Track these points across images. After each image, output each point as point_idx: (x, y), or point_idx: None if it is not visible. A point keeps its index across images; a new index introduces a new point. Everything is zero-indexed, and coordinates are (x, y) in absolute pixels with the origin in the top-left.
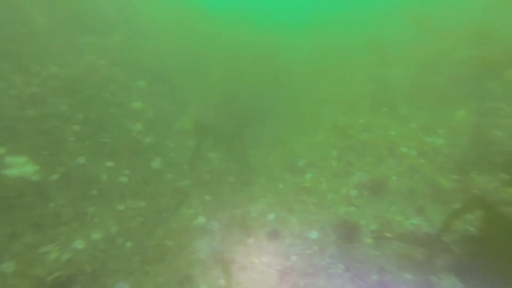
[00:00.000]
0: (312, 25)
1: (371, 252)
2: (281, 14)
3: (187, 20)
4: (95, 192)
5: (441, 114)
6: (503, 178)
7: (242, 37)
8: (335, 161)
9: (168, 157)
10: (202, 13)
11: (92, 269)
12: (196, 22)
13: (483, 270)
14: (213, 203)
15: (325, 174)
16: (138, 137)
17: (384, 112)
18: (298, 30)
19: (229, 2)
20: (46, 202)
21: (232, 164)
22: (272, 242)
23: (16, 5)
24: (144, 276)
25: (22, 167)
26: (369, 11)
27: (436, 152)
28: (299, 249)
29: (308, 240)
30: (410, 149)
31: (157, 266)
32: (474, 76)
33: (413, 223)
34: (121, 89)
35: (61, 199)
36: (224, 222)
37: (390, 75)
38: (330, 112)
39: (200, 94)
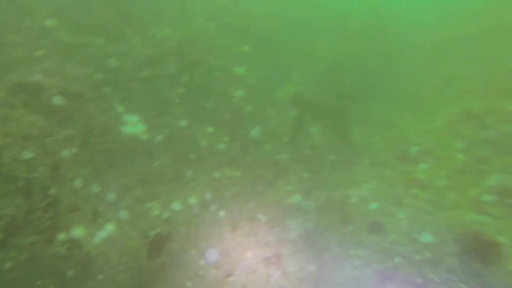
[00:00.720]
0: None
1: None
2: None
3: None
4: (194, 156)
5: None
6: None
7: (352, 3)
8: (461, 154)
9: (268, 127)
10: None
11: (186, 231)
12: None
13: None
14: (311, 181)
15: (446, 168)
16: (239, 104)
17: None
18: None
19: None
20: (151, 161)
21: (334, 141)
22: (372, 235)
23: None
24: (234, 247)
25: (134, 125)
26: None
27: None
28: (406, 250)
29: (418, 243)
30: None
31: (247, 239)
32: None
33: None
34: (225, 53)
35: (164, 160)
36: (320, 203)
37: None
38: (457, 93)
39: (305, 62)
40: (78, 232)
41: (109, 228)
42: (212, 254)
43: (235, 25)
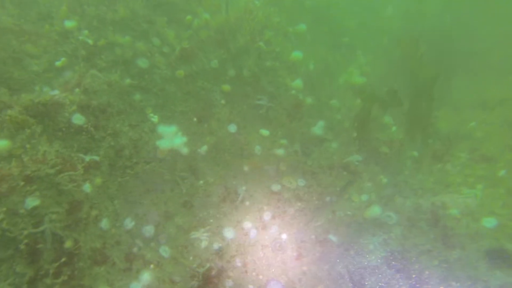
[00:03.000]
0: None
1: None
2: None
3: None
4: (247, 168)
5: None
6: None
7: None
8: None
9: (333, 121)
10: None
11: (243, 262)
12: None
13: None
14: (391, 186)
15: None
16: (298, 96)
17: None
18: None
19: None
20: (196, 179)
21: (415, 132)
22: (497, 269)
23: None
24: (301, 279)
25: (172, 137)
26: None
27: None
28: None
29: None
30: None
31: (317, 267)
32: None
33: None
34: (278, 36)
35: (211, 176)
36: (406, 215)
37: None
38: None
39: (371, 38)
40: None
41: (146, 276)
42: None
43: (287, 1)
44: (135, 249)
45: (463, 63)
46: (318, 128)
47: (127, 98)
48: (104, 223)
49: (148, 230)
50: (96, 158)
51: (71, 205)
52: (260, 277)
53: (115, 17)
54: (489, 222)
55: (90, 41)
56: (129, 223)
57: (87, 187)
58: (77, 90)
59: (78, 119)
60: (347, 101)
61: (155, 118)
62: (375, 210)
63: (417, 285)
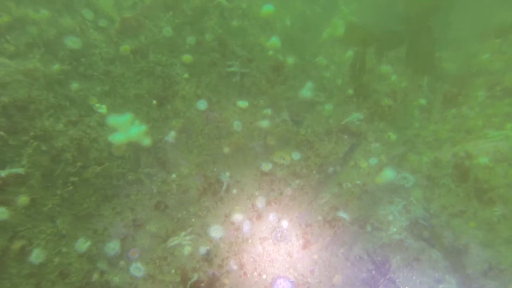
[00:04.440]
0: None
1: None
2: None
3: None
4: (227, 149)
5: None
6: None
7: None
8: None
9: (322, 80)
10: None
11: (239, 264)
12: None
13: None
14: (401, 143)
15: None
16: (277, 57)
17: None
18: None
19: None
20: (167, 173)
21: (417, 77)
22: None
23: None
24: (313, 270)
25: (128, 128)
26: None
27: None
28: None
29: None
30: None
31: (329, 254)
32: None
33: None
34: None
35: (185, 166)
36: (424, 173)
37: None
38: None
39: None
40: None
41: None
42: (283, 287)
43: None
44: (95, 276)
45: None
46: (306, 90)
47: (60, 88)
48: (37, 255)
49: (112, 247)
50: (19, 170)
51: None
52: (264, 276)
53: None
54: None
55: None
56: (82, 245)
57: (1, 213)
58: None
59: None
60: (335, 57)
61: (102, 109)
62: (388, 174)
63: (456, 259)
